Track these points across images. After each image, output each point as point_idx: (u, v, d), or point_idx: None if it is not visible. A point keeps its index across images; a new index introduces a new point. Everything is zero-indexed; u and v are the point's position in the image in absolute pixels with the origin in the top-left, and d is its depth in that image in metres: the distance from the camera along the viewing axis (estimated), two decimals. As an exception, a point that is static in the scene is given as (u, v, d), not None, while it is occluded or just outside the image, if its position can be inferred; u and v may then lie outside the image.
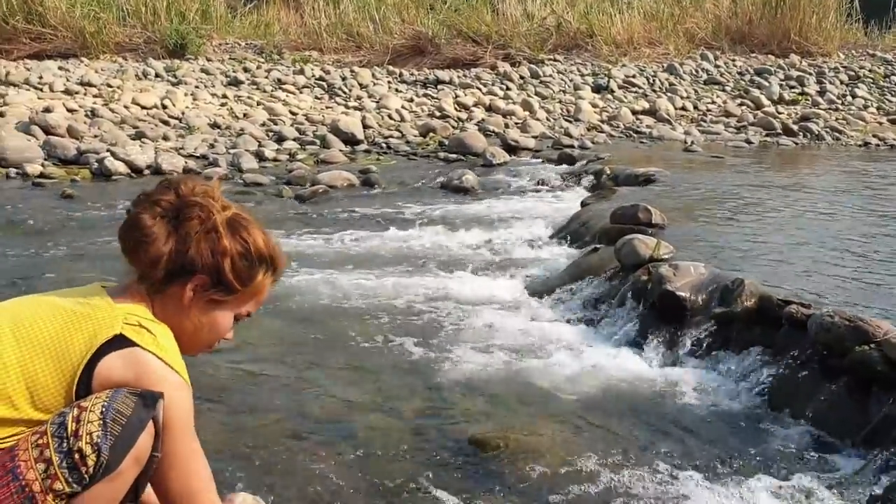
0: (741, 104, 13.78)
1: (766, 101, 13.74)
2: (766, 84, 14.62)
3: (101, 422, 1.54)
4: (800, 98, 14.25)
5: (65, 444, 1.53)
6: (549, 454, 2.82)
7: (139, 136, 10.23)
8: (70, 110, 11.24)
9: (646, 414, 3.29)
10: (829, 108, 13.62)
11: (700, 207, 6.32)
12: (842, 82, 15.20)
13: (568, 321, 4.41)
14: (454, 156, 10.16)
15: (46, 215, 6.98)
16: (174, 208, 1.75)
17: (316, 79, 14.94)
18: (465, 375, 3.64)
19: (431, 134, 11.44)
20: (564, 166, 9.27)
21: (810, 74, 15.39)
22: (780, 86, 14.61)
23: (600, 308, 4.43)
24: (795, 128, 11.63)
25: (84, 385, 1.61)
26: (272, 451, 2.76)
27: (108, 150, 8.97)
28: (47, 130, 9.78)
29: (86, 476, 1.53)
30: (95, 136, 9.98)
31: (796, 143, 11.04)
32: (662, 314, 4.03)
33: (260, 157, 9.71)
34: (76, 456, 1.52)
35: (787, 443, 3.00)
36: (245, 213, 1.85)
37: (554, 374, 3.66)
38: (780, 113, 13.19)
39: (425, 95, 14.21)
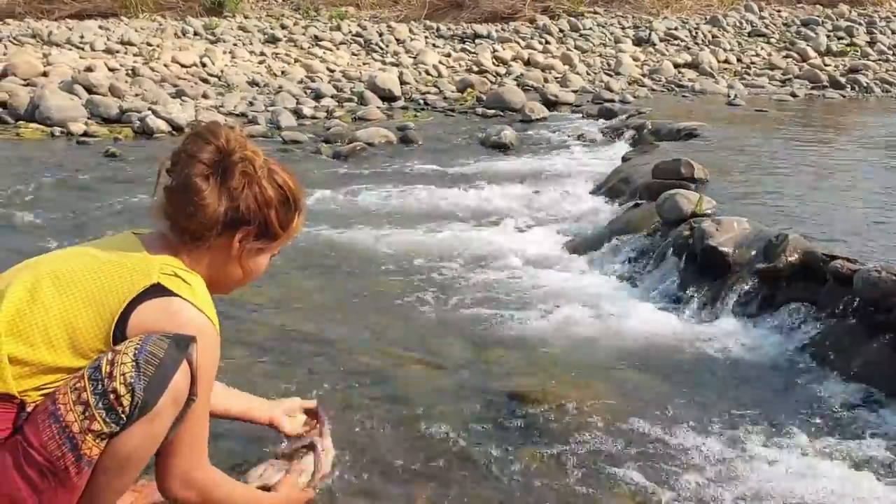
0: (786, 56, 13.45)
1: (812, 53, 13.40)
2: (813, 35, 14.23)
3: (134, 363, 1.58)
4: (848, 49, 13.86)
5: (100, 386, 1.57)
6: (588, 408, 2.83)
7: (179, 94, 10.31)
8: (111, 69, 11.36)
9: (686, 369, 3.28)
10: (880, 59, 13.23)
11: (743, 162, 6.22)
12: (893, 32, 14.73)
13: (608, 277, 4.39)
14: (492, 111, 10.10)
15: (91, 173, 7.10)
16: (218, 164, 1.77)
17: (353, 35, 14.87)
18: (504, 330, 3.66)
19: (469, 89, 11.36)
20: (605, 121, 9.17)
21: (860, 24, 14.94)
22: (828, 37, 14.22)
23: (641, 264, 4.40)
24: (843, 80, 11.35)
25: (120, 332, 1.65)
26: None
27: (149, 109, 9.06)
28: (90, 89, 9.90)
29: (122, 416, 1.57)
30: (137, 95, 10.08)
31: (843, 96, 10.78)
32: (704, 270, 3.99)
33: (298, 114, 9.74)
34: (111, 396, 1.57)
35: (831, 398, 2.98)
36: (269, 157, 1.89)
37: (594, 329, 3.66)
38: (827, 65, 12.86)
39: (463, 50, 14.08)
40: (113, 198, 6.21)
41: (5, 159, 7.75)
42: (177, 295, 1.70)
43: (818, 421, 2.81)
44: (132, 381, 1.57)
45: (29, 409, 1.62)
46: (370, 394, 2.93)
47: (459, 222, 5.57)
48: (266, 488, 2.09)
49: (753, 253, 3.89)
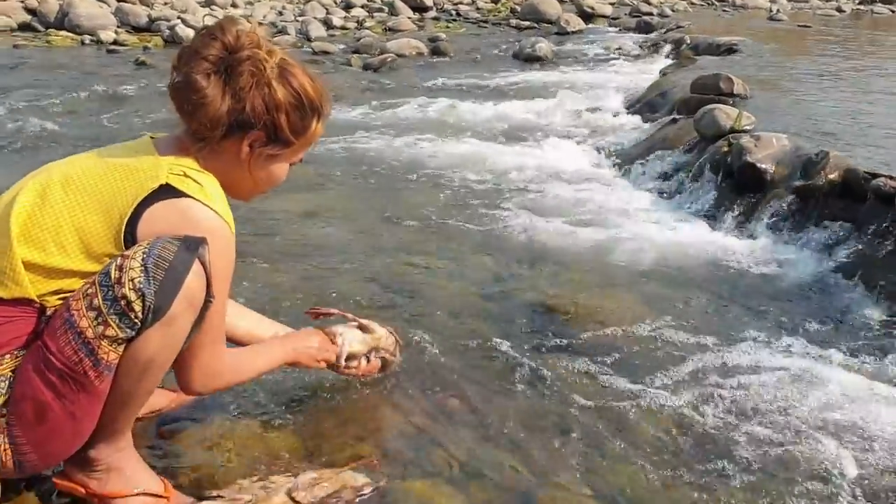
0: (834, -31, 12.92)
1: (862, -35, 12.85)
2: (864, -54, 13.60)
3: (143, 268, 1.55)
4: (900, -39, 13.27)
5: (110, 293, 1.55)
6: (619, 320, 2.82)
7: (208, 3, 10.17)
8: (140, -24, 11.19)
9: (719, 285, 3.25)
10: (933, -27, 12.65)
11: (784, 78, 6.05)
12: (949, -57, 14.05)
13: (643, 192, 4.34)
14: (526, 23, 9.87)
15: (122, 82, 7.08)
16: (223, 62, 1.68)
17: (384, -58, 14.48)
18: (536, 243, 3.64)
19: (503, 0, 11.09)
20: (642, 35, 8.96)
21: (914, -65, 14.24)
22: (880, -52, 13.59)
23: (677, 180, 4.34)
24: (893, -6, 10.90)
25: (130, 234, 1.62)
26: (343, 312, 2.81)
27: (178, 18, 8.96)
28: (118, -3, 9.79)
29: (136, 321, 1.55)
30: (166, 3, 9.97)
31: (893, 11, 10.37)
32: (741, 186, 3.93)
33: (328, 24, 9.59)
34: (122, 303, 1.54)
35: (867, 318, 2.93)
36: (289, 57, 1.78)
37: (627, 243, 3.63)
38: (877, -22, 12.33)
39: (497, -40, 13.66)
40: (143, 107, 6.20)
41: (36, 67, 7.75)
42: (186, 195, 1.65)
43: (852, 340, 2.77)
44: (141, 286, 1.54)
45: (49, 314, 1.62)
46: (398, 304, 2.93)
47: (490, 136, 5.50)
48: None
49: (792, 170, 3.81)
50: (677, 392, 2.37)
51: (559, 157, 4.95)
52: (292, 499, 1.76)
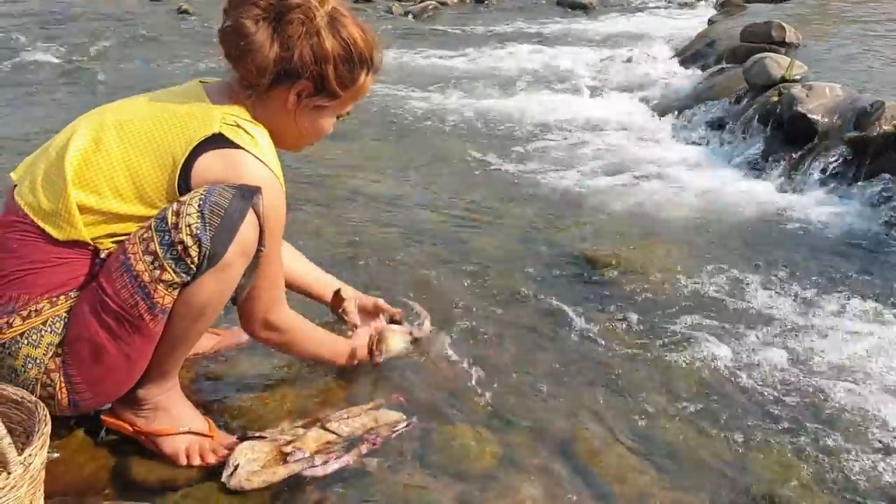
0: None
1: None
2: None
3: (199, 214, 1.57)
4: None
5: (167, 237, 1.57)
6: (661, 272, 2.79)
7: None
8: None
9: (765, 238, 3.19)
10: None
11: (839, 26, 5.85)
12: None
13: (689, 143, 4.26)
14: (572, -30, 9.66)
15: (164, 29, 7.09)
16: (274, 8, 1.68)
17: None
18: (579, 194, 3.60)
19: (548, -53, 10.83)
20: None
21: None
22: None
23: (724, 131, 4.25)
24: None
25: (184, 181, 1.63)
26: (385, 261, 2.82)
27: (220, -36, 8.92)
28: (160, -57, 9.75)
29: (192, 266, 1.58)
30: (207, -50, 9.91)
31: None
32: (791, 137, 3.83)
33: (370, -29, 9.47)
34: (179, 248, 1.57)
35: (917, 274, 2.86)
36: (342, 7, 1.76)
37: (672, 195, 3.58)
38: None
39: None
40: (185, 55, 6.21)
41: (79, 15, 7.80)
42: (239, 146, 1.66)
43: (901, 295, 2.71)
44: (198, 232, 1.56)
45: (103, 256, 1.65)
46: (441, 254, 2.93)
47: (535, 85, 5.43)
48: None
49: (845, 121, 3.70)
50: (718, 345, 2.34)
51: (603, 106, 4.88)
52: (326, 429, 1.80)
